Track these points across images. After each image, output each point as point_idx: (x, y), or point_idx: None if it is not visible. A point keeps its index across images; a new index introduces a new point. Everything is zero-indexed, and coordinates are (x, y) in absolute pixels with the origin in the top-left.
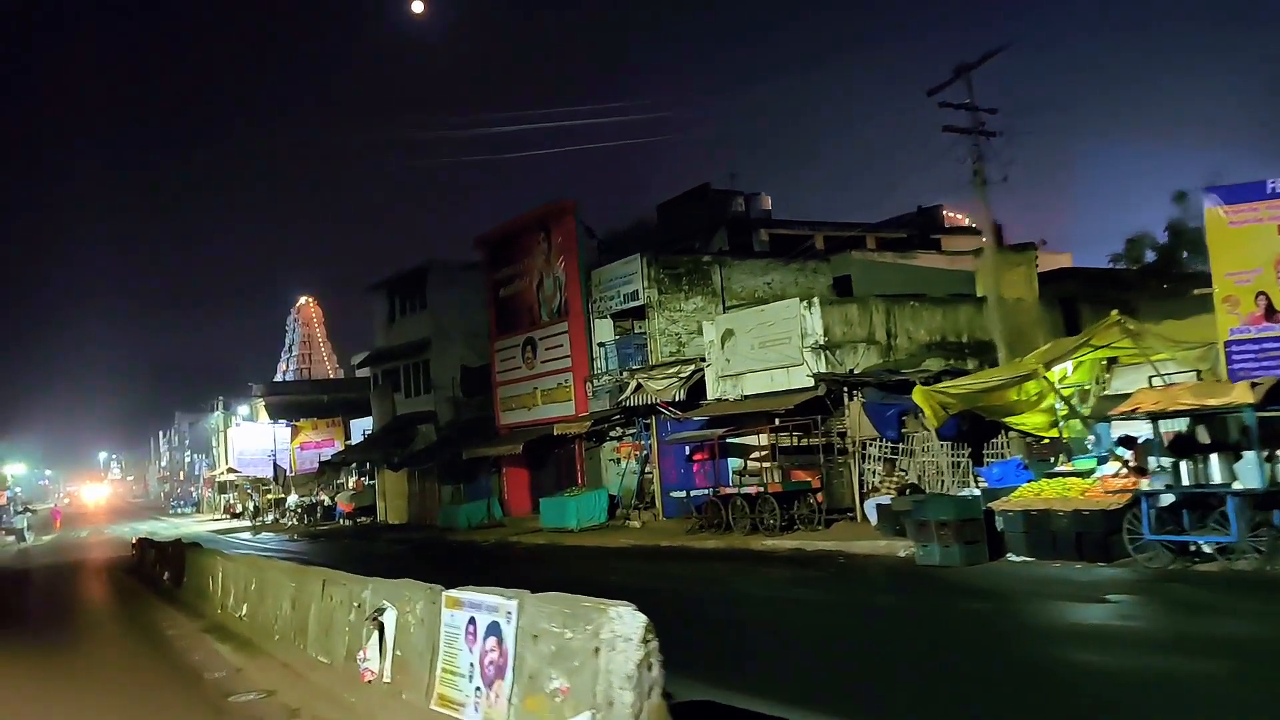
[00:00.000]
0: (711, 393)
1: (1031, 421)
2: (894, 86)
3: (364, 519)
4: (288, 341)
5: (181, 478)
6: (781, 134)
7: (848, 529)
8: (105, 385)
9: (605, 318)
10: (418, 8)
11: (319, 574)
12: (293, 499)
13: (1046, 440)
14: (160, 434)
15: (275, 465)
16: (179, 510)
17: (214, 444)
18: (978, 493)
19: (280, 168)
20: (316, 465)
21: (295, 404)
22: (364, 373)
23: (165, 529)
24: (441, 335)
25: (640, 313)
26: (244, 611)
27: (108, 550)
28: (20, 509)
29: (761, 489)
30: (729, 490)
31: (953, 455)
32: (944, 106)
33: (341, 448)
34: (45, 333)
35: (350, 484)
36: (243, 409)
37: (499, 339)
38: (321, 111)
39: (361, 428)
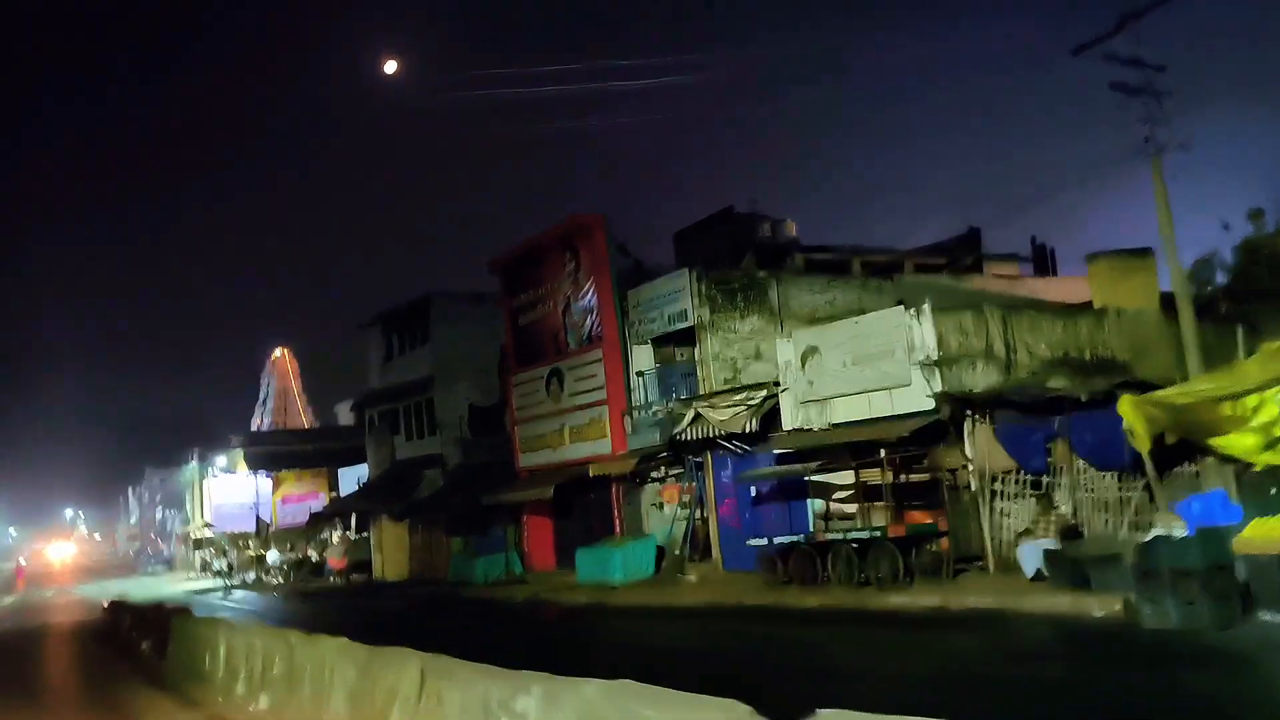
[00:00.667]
0: (789, 421)
1: (1241, 444)
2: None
3: (358, 576)
4: (262, 395)
5: (152, 535)
6: (796, 157)
7: (985, 581)
8: (72, 440)
9: (644, 343)
10: (390, 67)
11: (407, 659)
12: (273, 555)
13: (1260, 467)
14: (130, 490)
15: (258, 519)
16: (149, 569)
17: (188, 498)
18: (1181, 532)
19: (254, 217)
20: (299, 519)
21: (276, 454)
22: (345, 419)
23: (137, 589)
24: (446, 372)
25: (687, 336)
26: (263, 704)
27: (76, 613)
28: None
29: (876, 534)
30: (829, 536)
31: (1121, 489)
32: (1109, 60)
33: (326, 500)
34: (9, 386)
35: (335, 538)
36: (220, 460)
37: (518, 371)
38: (297, 160)
39: (355, 476)
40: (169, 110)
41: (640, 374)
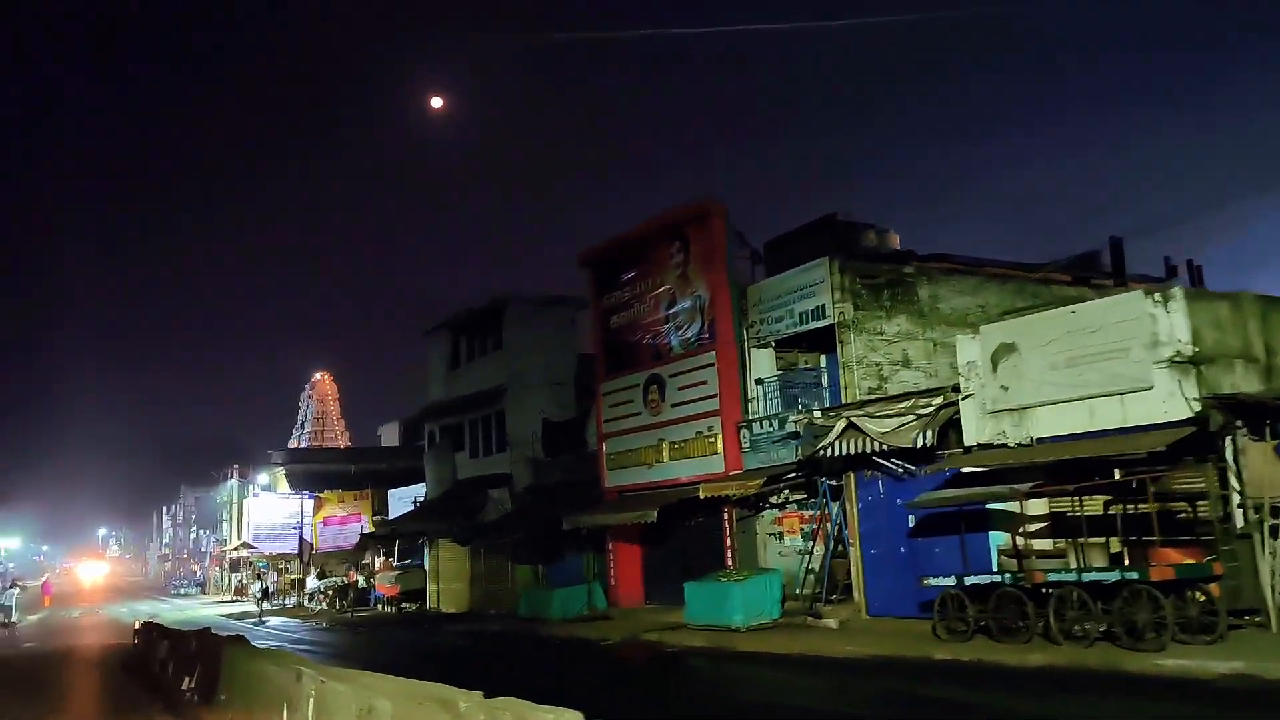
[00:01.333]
0: (973, 434)
1: None
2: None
3: (410, 605)
4: (300, 418)
5: (184, 555)
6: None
7: (1271, 640)
8: (107, 459)
9: (765, 346)
10: (436, 103)
11: None
12: (313, 581)
13: None
14: (163, 510)
15: (301, 539)
16: (181, 590)
17: (224, 517)
18: None
19: (293, 237)
20: (340, 542)
21: (318, 474)
22: (389, 440)
23: (169, 611)
24: (519, 383)
25: (818, 339)
26: None
27: (102, 634)
28: (9, 584)
29: (1130, 575)
30: (1057, 576)
31: None
32: None
33: (369, 523)
34: (46, 403)
35: (378, 564)
36: (262, 478)
37: (608, 379)
38: (340, 181)
39: (406, 497)
40: (207, 129)
41: (760, 381)
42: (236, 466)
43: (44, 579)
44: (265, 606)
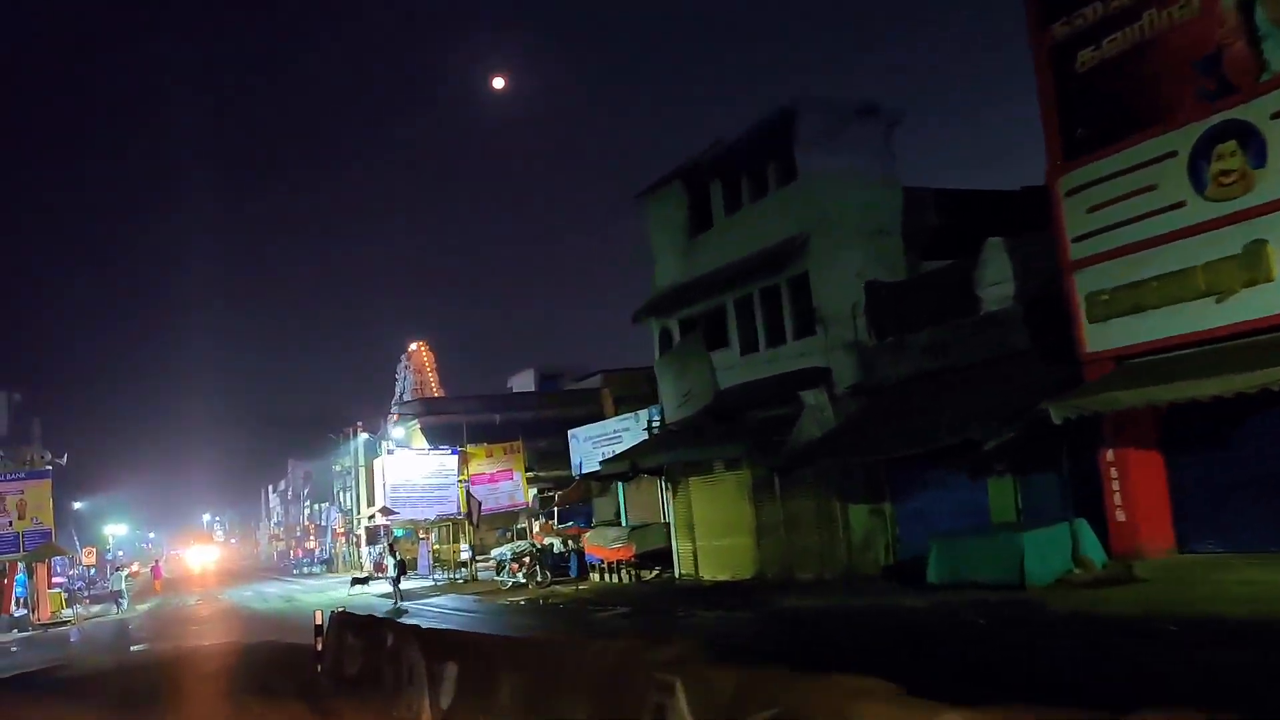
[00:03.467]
0: None
1: None
2: None
3: (650, 572)
4: (398, 390)
5: (300, 532)
6: None
7: None
8: (208, 443)
9: None
10: (498, 83)
11: None
12: (506, 550)
13: None
14: (269, 489)
15: (470, 496)
16: (305, 569)
17: (345, 485)
18: None
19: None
20: (491, 504)
21: (456, 428)
22: (521, 390)
23: (304, 593)
24: (825, 232)
25: None
26: None
27: (231, 627)
28: (118, 567)
29: None
30: None
31: None
32: None
33: (521, 481)
34: (149, 388)
35: (537, 527)
36: (397, 431)
37: (1080, 163)
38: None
39: (599, 433)
40: (308, 107)
41: None
42: (360, 424)
43: (154, 563)
44: (403, 586)
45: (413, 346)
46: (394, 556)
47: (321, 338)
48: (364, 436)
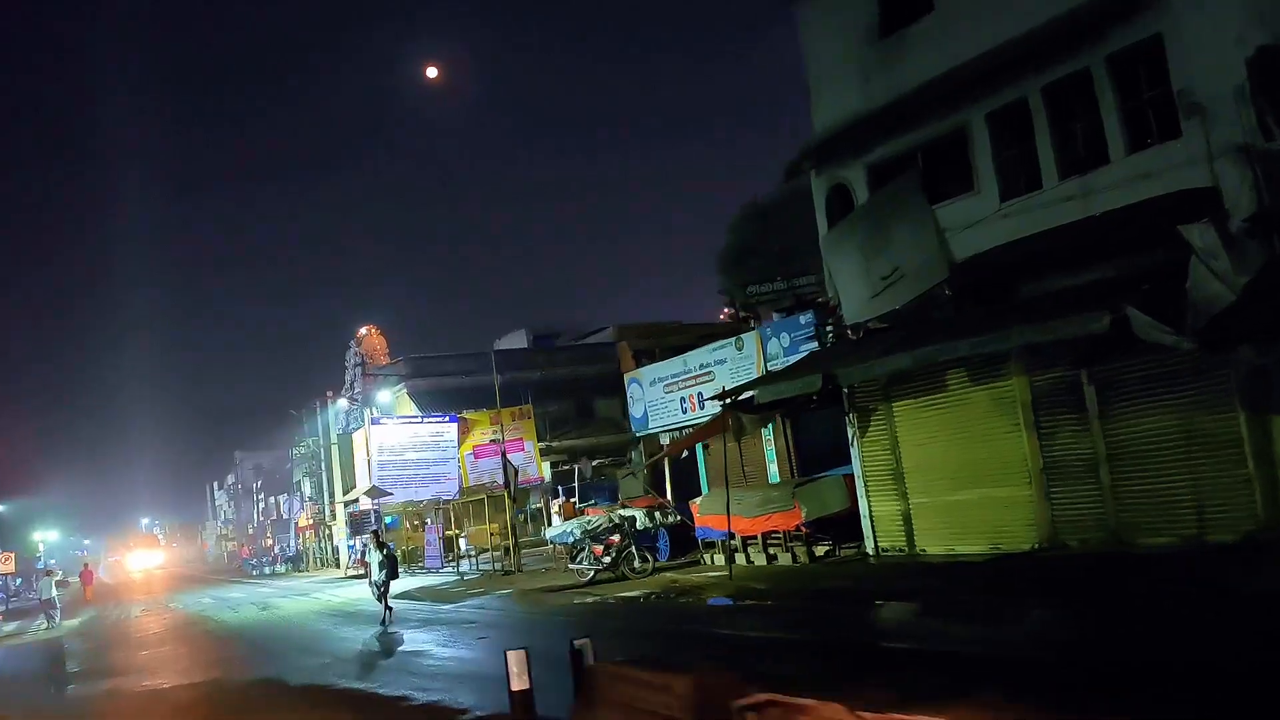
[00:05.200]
0: None
1: None
2: None
3: (823, 545)
4: (348, 379)
5: (252, 530)
6: None
7: None
8: (147, 442)
9: None
10: (431, 73)
11: None
12: (563, 525)
13: None
14: (214, 485)
15: (506, 462)
16: (268, 570)
17: (308, 472)
18: None
19: (331, 200)
20: (500, 479)
21: (449, 392)
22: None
23: (284, 599)
24: None
25: None
26: None
27: (199, 651)
28: (48, 573)
29: None
30: None
31: None
32: None
33: (534, 450)
34: (83, 390)
35: (556, 506)
36: (382, 395)
37: None
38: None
39: (652, 377)
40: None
41: None
42: (330, 393)
43: (83, 567)
44: (393, 588)
45: (362, 331)
46: (380, 551)
47: (265, 325)
48: (341, 404)
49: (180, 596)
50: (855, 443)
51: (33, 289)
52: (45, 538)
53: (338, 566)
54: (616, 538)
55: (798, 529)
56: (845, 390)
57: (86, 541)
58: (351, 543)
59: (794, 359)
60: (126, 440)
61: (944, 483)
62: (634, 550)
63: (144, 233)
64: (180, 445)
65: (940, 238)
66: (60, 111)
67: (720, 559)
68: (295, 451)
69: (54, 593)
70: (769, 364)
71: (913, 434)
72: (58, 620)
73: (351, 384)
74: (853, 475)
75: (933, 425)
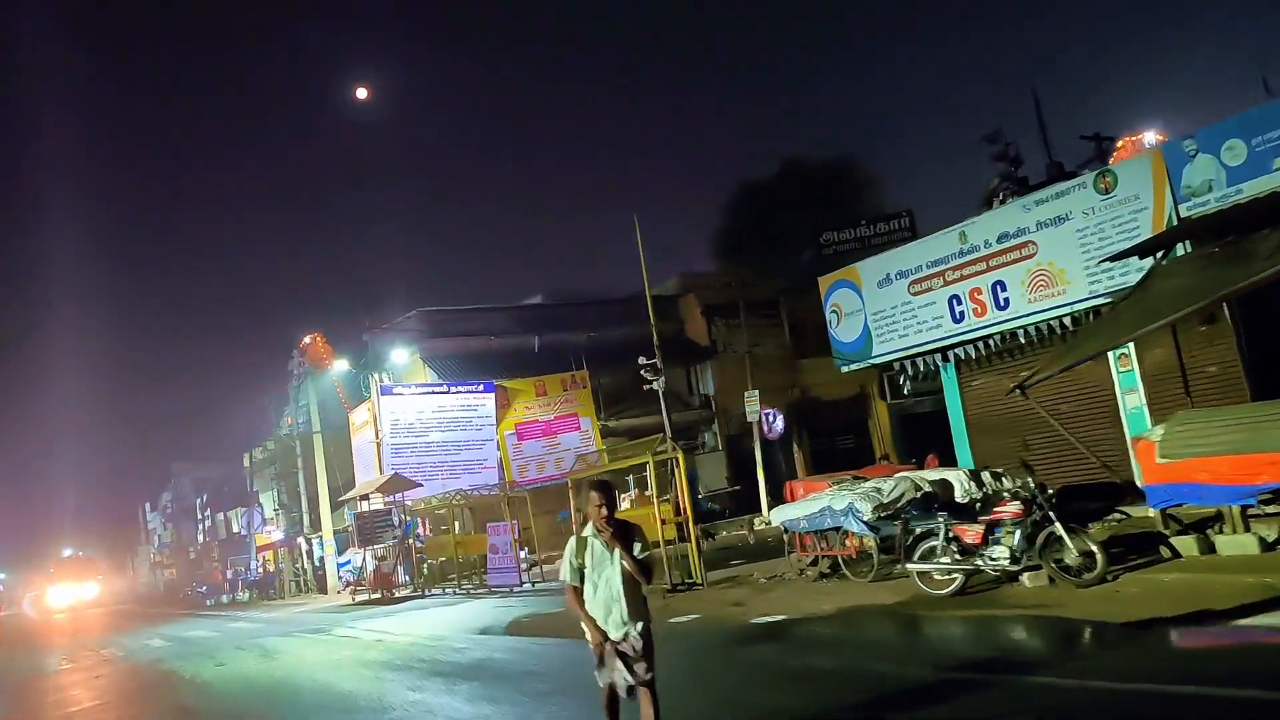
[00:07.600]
0: None
1: None
2: None
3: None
4: (291, 392)
5: (193, 555)
6: None
7: None
8: (64, 464)
9: None
10: (361, 94)
11: None
12: (831, 500)
13: None
14: (147, 506)
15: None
16: (227, 599)
17: (279, 474)
18: None
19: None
20: (549, 468)
21: (477, 356)
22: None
23: (273, 636)
24: None
25: None
26: None
27: None
28: None
29: None
30: None
31: None
32: None
33: (592, 427)
34: None
35: (625, 503)
36: (397, 354)
37: None
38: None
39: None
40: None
41: None
42: (296, 356)
43: None
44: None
45: (306, 339)
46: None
47: (196, 330)
48: (341, 363)
49: (120, 640)
50: None
51: None
52: None
53: (323, 592)
54: (1016, 508)
55: None
56: None
57: (1, 575)
58: (346, 560)
59: (1246, 187)
60: (46, 460)
61: None
62: (1060, 531)
63: (67, 221)
64: (108, 460)
65: None
66: None
67: (1191, 545)
68: (254, 454)
69: None
70: (1183, 204)
71: None
72: None
73: (295, 398)
74: None
75: None
